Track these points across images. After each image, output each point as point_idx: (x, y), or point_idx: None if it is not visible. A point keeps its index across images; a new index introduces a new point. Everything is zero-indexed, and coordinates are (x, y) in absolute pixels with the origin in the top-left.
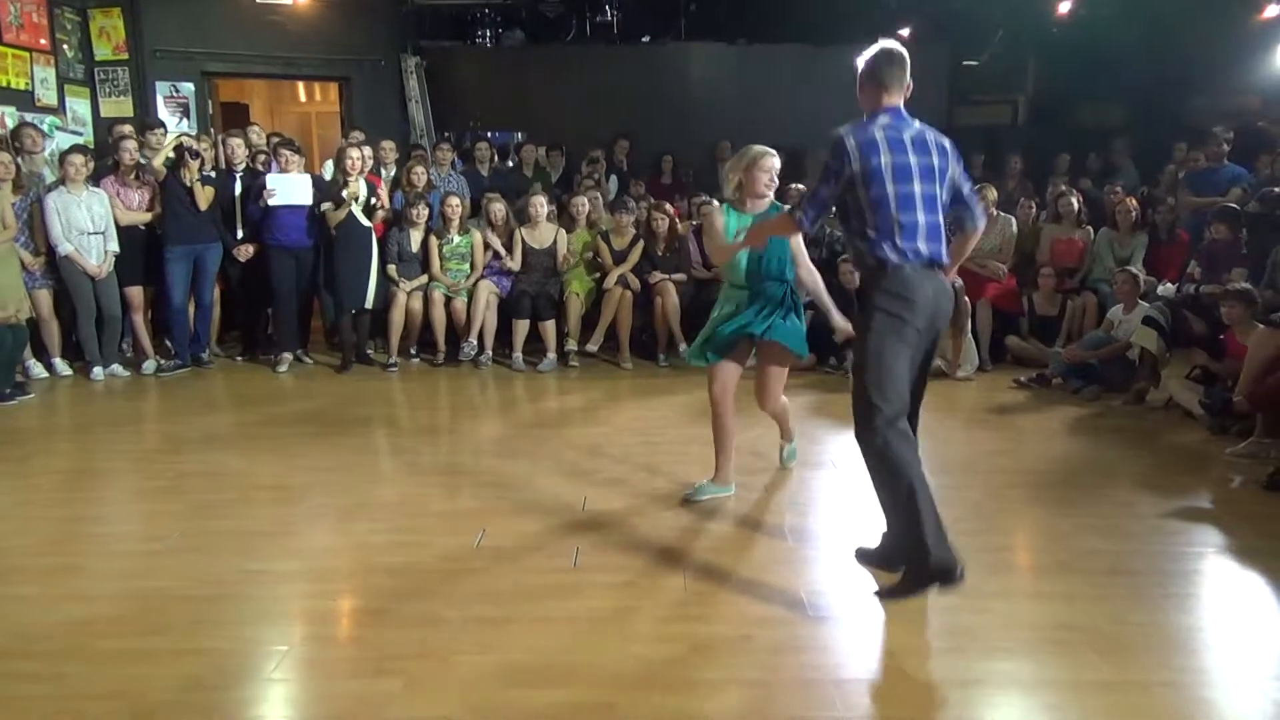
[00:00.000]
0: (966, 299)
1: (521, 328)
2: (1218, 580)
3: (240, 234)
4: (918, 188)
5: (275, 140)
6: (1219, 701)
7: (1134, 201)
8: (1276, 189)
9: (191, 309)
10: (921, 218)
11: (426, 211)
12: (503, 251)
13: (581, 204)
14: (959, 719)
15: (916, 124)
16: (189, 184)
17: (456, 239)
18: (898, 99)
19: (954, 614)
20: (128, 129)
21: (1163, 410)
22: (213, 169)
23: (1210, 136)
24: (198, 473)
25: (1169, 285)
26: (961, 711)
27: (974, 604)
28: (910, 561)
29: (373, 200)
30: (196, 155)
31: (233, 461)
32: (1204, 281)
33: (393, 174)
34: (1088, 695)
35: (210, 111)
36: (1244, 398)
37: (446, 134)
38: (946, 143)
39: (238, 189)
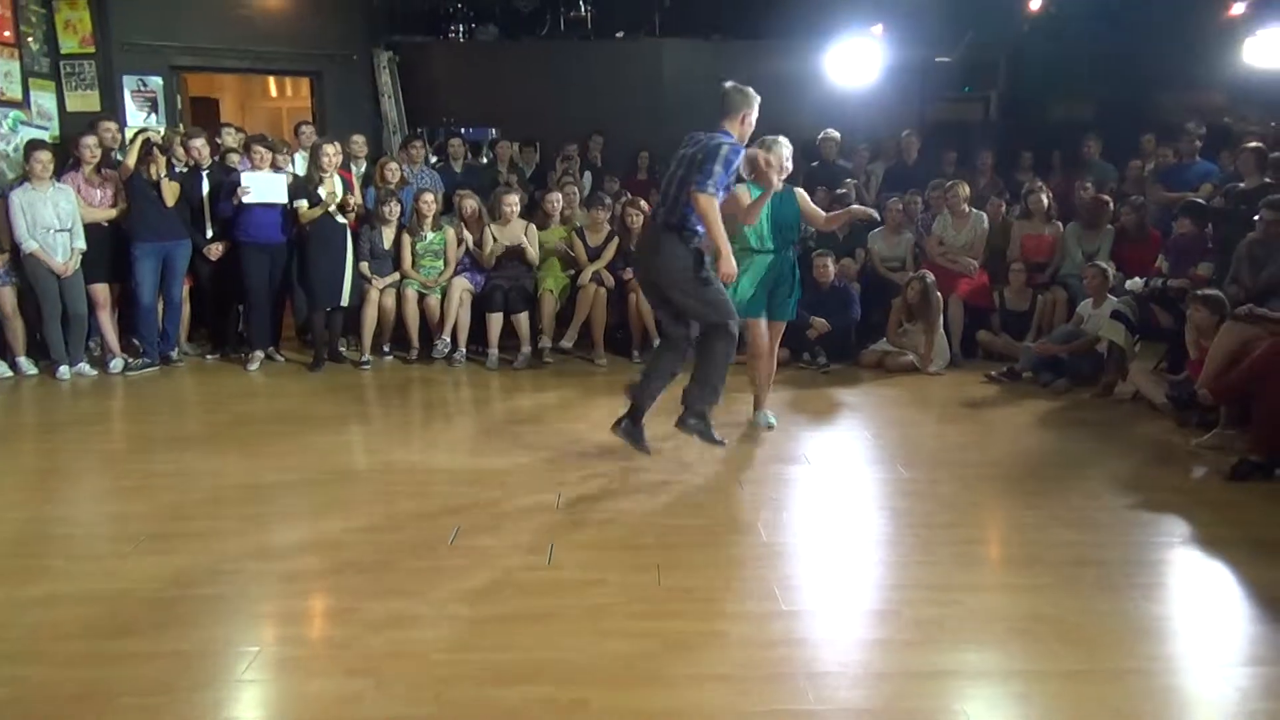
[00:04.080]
0: (939, 294)
1: (496, 321)
2: (1184, 570)
3: (210, 233)
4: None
5: (246, 137)
6: (1185, 689)
7: (1111, 201)
8: (1240, 184)
9: (160, 306)
10: (672, 189)
11: (399, 208)
12: (473, 246)
13: (556, 200)
14: (930, 710)
15: (713, 136)
16: (155, 179)
17: (430, 235)
18: (726, 125)
19: (924, 606)
20: (112, 125)
21: (1129, 403)
22: (183, 167)
23: (1183, 133)
24: (167, 473)
25: (1137, 280)
26: (932, 702)
27: (944, 596)
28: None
29: (350, 199)
30: (166, 150)
31: (202, 461)
32: (1171, 275)
33: (364, 170)
34: (1056, 684)
35: (179, 106)
36: (1208, 390)
37: (420, 129)
38: (703, 143)
39: (205, 187)
